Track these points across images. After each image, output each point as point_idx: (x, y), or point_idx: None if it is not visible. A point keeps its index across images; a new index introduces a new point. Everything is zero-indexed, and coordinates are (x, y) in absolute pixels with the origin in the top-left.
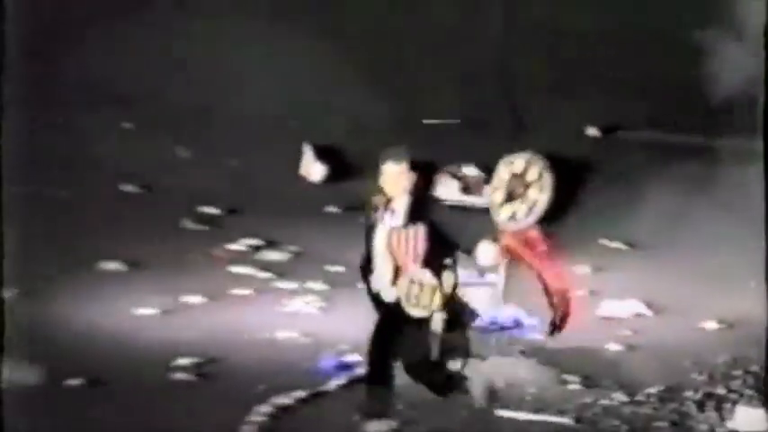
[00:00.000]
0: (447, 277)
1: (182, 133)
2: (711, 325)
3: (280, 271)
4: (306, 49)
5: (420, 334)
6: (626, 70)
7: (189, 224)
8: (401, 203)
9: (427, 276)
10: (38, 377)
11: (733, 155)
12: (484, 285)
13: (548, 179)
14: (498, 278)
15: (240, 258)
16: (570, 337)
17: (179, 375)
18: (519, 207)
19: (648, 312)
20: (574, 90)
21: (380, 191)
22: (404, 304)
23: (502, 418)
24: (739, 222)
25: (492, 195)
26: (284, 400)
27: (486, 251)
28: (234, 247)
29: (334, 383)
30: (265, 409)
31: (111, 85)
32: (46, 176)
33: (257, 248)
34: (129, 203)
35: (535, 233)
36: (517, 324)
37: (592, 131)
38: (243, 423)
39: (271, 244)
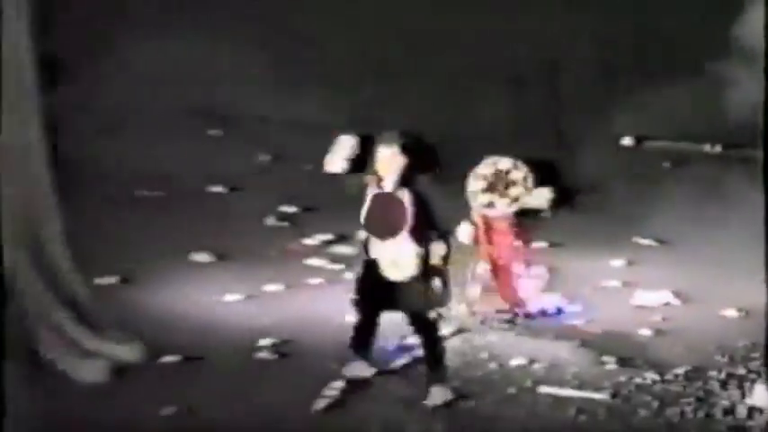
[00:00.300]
0: (436, 247)
1: (264, 140)
2: (732, 313)
3: (349, 263)
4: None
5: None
6: (656, 91)
7: (271, 221)
8: (390, 181)
9: (409, 244)
10: (137, 355)
11: (741, 162)
12: (530, 276)
13: (531, 183)
14: (543, 270)
15: (314, 252)
16: (607, 323)
17: (261, 354)
18: (498, 199)
19: (676, 302)
20: (610, 105)
21: (375, 172)
22: (383, 267)
23: (545, 394)
24: (747, 221)
25: (473, 183)
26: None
27: (464, 230)
28: (308, 241)
29: (398, 362)
30: (338, 384)
31: (197, 97)
32: (146, 181)
33: (329, 243)
34: (218, 203)
35: (504, 225)
36: (559, 311)
37: (627, 141)
38: (318, 396)
39: (341, 239)
